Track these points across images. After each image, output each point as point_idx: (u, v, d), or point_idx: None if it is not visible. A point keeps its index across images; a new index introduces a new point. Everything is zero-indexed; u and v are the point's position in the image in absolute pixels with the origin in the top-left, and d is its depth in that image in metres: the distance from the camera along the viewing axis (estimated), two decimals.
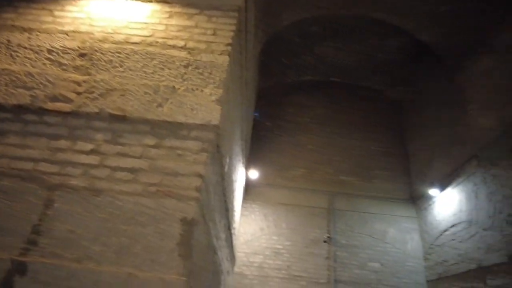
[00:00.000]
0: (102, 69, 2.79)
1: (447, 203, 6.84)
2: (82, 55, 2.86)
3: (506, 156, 5.04)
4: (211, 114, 2.56)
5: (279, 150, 8.79)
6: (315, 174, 8.50)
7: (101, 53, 2.87)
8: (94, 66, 2.81)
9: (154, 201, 2.26)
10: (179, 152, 2.43)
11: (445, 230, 6.80)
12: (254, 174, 7.95)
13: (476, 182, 5.94)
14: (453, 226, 6.55)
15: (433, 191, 7.24)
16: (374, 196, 8.28)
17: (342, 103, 9.74)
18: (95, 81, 2.72)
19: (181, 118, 2.55)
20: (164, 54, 2.88)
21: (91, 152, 2.43)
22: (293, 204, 7.94)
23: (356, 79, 9.65)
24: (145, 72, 2.79)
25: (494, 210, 5.29)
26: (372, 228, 7.83)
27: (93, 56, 2.86)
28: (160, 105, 2.61)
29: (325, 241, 7.48)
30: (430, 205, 7.52)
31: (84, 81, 2.71)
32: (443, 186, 7.02)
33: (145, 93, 2.67)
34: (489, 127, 5.54)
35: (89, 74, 2.76)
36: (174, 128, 2.52)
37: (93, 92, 2.66)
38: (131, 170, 2.37)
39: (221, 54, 2.89)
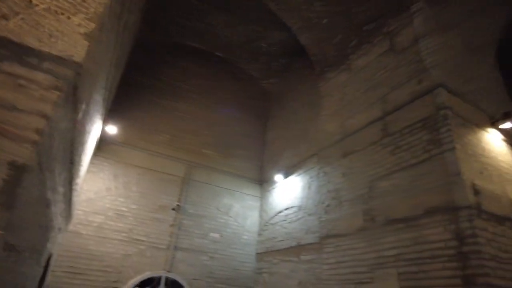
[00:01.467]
0: None
1: (287, 189, 7.87)
2: None
3: (337, 159, 6.11)
4: (75, 48, 2.17)
5: (147, 111, 8.30)
6: (178, 142, 8.41)
7: None
8: None
9: None
10: (22, 82, 1.98)
11: (280, 212, 7.83)
12: (112, 129, 7.28)
13: (312, 176, 7.03)
14: (287, 209, 7.60)
15: (278, 177, 8.20)
16: (228, 172, 8.81)
17: (221, 79, 9.88)
18: None
19: (33, 42, 2.07)
20: None
21: None
22: (149, 168, 7.68)
23: (238, 61, 9.92)
24: None
25: (319, 200, 6.38)
26: (220, 202, 8.34)
27: None
28: (5, 17, 2.05)
29: (173, 209, 7.55)
30: (273, 188, 8.51)
31: None
32: (287, 174, 8.03)
33: None
34: (331, 133, 6.58)
35: None
36: (20, 52, 2.02)
37: None
38: None
39: None
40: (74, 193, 5.01)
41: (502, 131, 5.08)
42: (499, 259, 3.57)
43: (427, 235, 4.00)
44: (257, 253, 8.18)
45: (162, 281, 6.90)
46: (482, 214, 3.75)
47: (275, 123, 9.75)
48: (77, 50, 2.17)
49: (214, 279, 7.46)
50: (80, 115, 3.03)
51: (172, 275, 7.01)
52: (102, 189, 6.96)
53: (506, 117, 4.96)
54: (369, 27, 6.30)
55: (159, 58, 9.07)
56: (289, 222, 7.34)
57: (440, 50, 5.06)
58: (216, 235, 7.94)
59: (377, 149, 5.24)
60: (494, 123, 5.01)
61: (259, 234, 8.44)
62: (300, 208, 7.11)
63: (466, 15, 5.72)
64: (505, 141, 5.06)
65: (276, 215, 7.98)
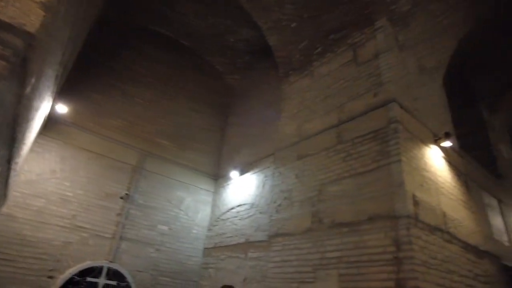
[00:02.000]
0: None
1: (241, 186, 7.91)
2: None
3: (292, 161, 6.27)
4: (28, 17, 2.01)
5: (102, 93, 7.89)
6: (134, 129, 8.11)
7: None
8: None
9: None
10: None
11: (232, 208, 7.86)
12: (63, 108, 6.85)
13: (267, 175, 7.14)
14: (239, 205, 7.65)
15: (233, 174, 8.22)
16: (184, 165, 8.67)
17: (185, 69, 9.68)
18: None
19: None
20: None
21: None
22: (99, 153, 7.31)
23: (204, 52, 9.79)
24: None
25: (271, 199, 6.50)
26: (172, 194, 8.18)
27: None
28: None
29: (121, 198, 7.28)
30: (228, 184, 8.51)
31: None
32: (243, 172, 8.08)
33: None
34: (289, 135, 6.73)
35: None
36: None
37: None
38: None
39: None
40: (13, 173, 4.65)
41: (443, 149, 5.53)
42: (428, 264, 3.89)
43: (368, 240, 4.24)
44: (205, 248, 8.14)
45: (104, 271, 6.62)
46: (418, 224, 4.05)
47: (235, 120, 9.75)
48: (31, 19, 2.01)
49: (159, 272, 7.31)
50: (28, 89, 2.82)
51: (115, 266, 6.75)
52: (46, 171, 6.52)
53: (447, 136, 5.41)
54: (335, 37, 6.52)
55: (121, 39, 8.67)
56: (240, 219, 7.39)
57: (396, 67, 5.37)
58: (165, 228, 7.78)
59: (329, 154, 5.44)
60: (436, 141, 5.44)
61: (209, 229, 8.41)
62: (252, 205, 7.19)
63: (421, 38, 6.15)
64: (444, 158, 5.50)
65: (228, 211, 7.99)
